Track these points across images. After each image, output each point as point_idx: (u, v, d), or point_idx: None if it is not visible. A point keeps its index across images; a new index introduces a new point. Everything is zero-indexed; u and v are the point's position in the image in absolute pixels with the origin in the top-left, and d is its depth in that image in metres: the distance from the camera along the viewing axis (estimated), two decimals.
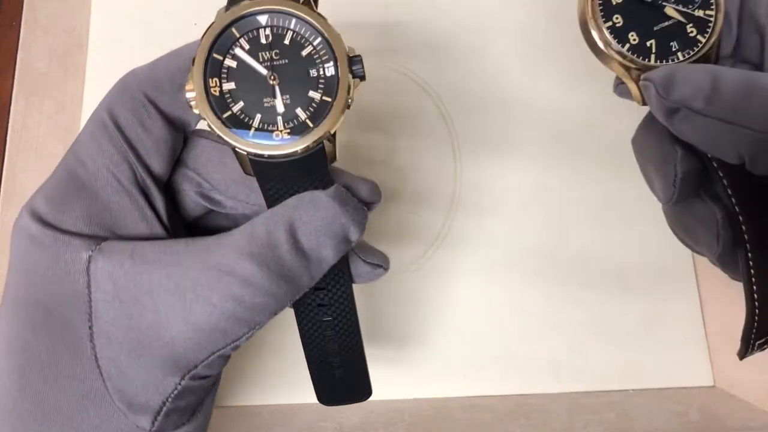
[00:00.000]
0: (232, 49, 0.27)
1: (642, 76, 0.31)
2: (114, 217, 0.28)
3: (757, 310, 0.30)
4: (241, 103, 0.27)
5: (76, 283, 0.26)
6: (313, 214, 0.26)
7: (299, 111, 0.27)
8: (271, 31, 0.27)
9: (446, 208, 0.47)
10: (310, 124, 0.27)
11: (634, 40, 0.31)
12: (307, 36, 0.27)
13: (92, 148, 0.28)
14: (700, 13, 0.31)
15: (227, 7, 0.29)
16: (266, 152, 0.27)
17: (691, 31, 0.31)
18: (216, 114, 0.27)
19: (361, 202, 0.29)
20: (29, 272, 0.27)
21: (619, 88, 0.34)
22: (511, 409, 0.44)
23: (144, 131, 0.28)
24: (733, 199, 0.30)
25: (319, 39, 0.27)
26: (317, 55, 0.27)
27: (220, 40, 0.27)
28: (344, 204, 0.27)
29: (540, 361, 0.46)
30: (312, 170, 0.28)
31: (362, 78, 0.28)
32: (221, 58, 0.27)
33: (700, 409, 0.43)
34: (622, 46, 0.31)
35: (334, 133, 0.27)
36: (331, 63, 0.27)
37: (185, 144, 0.31)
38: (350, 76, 0.27)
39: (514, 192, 0.48)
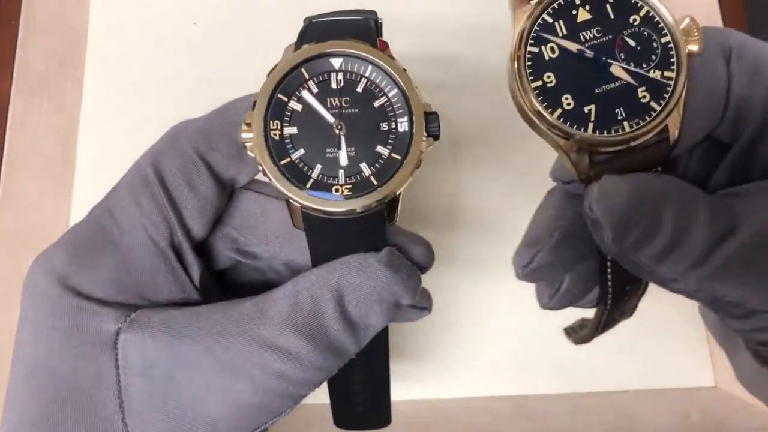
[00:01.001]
0: (299, 92, 0.25)
1: (586, 196, 0.24)
2: (146, 281, 0.25)
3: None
4: (302, 151, 0.25)
5: (103, 358, 0.24)
6: (363, 281, 0.24)
7: (364, 166, 0.24)
8: (344, 76, 0.25)
9: (447, 208, 0.46)
10: (374, 182, 0.24)
11: (569, 104, 0.24)
12: (382, 86, 0.25)
13: (129, 202, 0.25)
14: (656, 74, 0.24)
15: (297, 45, 0.25)
16: (323, 207, 0.24)
17: (643, 96, 0.24)
18: (273, 159, 0.24)
19: (415, 265, 0.26)
20: (49, 342, 0.24)
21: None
22: (511, 410, 0.44)
23: (191, 191, 0.25)
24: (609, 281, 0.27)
25: (395, 91, 0.25)
26: (390, 108, 0.25)
27: (287, 80, 0.25)
28: (397, 271, 0.24)
29: (541, 362, 0.44)
30: (367, 231, 0.25)
31: (436, 137, 0.25)
32: (286, 99, 0.25)
33: (702, 410, 0.42)
34: (551, 113, 0.24)
35: (399, 193, 0.25)
36: (406, 118, 0.25)
37: None
38: (425, 134, 0.25)
39: (515, 192, 0.48)
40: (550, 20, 0.25)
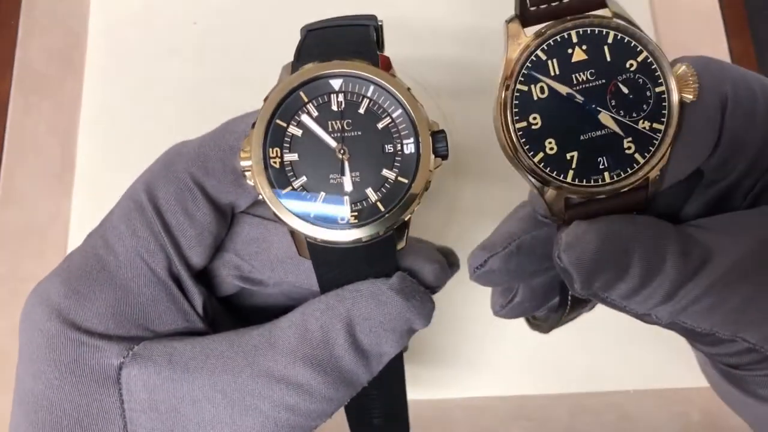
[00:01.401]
0: (298, 116, 0.23)
1: (555, 243, 0.24)
2: (147, 312, 0.24)
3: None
4: (304, 178, 0.23)
5: (106, 393, 0.23)
6: (375, 309, 0.23)
7: (370, 192, 0.23)
8: (345, 97, 0.24)
9: (447, 207, 0.45)
10: (382, 209, 0.23)
11: (551, 149, 0.23)
12: (385, 106, 0.24)
13: (125, 231, 0.24)
14: (644, 125, 0.23)
15: (294, 66, 0.24)
16: (328, 238, 0.23)
17: (628, 147, 0.23)
18: (274, 188, 0.23)
19: (428, 287, 0.25)
20: (49, 378, 0.23)
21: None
22: (512, 410, 0.43)
23: (187, 219, 0.24)
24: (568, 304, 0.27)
25: (399, 111, 0.23)
26: (395, 129, 0.23)
27: (285, 105, 0.23)
28: (409, 298, 0.23)
29: (541, 362, 0.44)
30: (377, 257, 0.24)
31: (445, 157, 0.24)
32: (285, 125, 0.23)
33: (702, 410, 0.41)
34: (533, 156, 0.23)
35: (408, 219, 0.24)
36: (412, 139, 0.23)
37: None
38: (432, 155, 0.23)
39: (516, 196, 0.48)
40: (544, 57, 0.24)
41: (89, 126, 0.46)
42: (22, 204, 0.43)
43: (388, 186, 0.23)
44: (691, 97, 0.23)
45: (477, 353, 0.43)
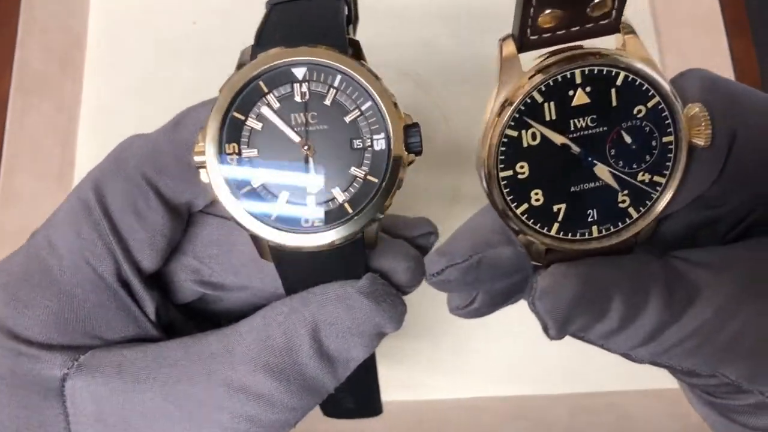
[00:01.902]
0: (258, 108, 0.21)
1: (529, 288, 0.22)
2: (95, 319, 0.22)
3: None
4: (265, 177, 0.21)
5: (49, 406, 0.21)
6: (342, 314, 0.21)
7: (337, 191, 0.21)
8: (309, 88, 0.21)
9: (448, 206, 0.44)
10: (350, 210, 0.21)
11: (537, 200, 0.21)
12: (353, 97, 0.21)
13: (69, 233, 0.22)
14: (644, 177, 0.21)
15: (254, 52, 0.21)
16: (291, 243, 0.21)
17: (623, 201, 0.21)
18: (231, 189, 0.21)
19: (402, 287, 0.23)
20: None
21: None
22: (512, 411, 0.43)
23: (138, 220, 0.22)
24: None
25: (369, 103, 0.21)
26: (365, 123, 0.21)
27: (244, 96, 0.21)
28: (379, 301, 0.22)
29: (541, 362, 0.43)
30: (345, 260, 0.22)
31: (418, 153, 0.21)
32: (243, 117, 0.21)
33: None
34: (516, 207, 0.21)
35: (380, 219, 0.22)
36: (382, 135, 0.21)
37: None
38: (405, 152, 0.21)
39: None
40: (540, 100, 0.20)
41: (89, 126, 0.46)
42: (22, 204, 0.43)
43: (357, 185, 0.21)
44: (702, 144, 0.20)
45: (477, 353, 0.43)
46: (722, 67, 0.46)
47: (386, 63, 0.45)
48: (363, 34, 0.50)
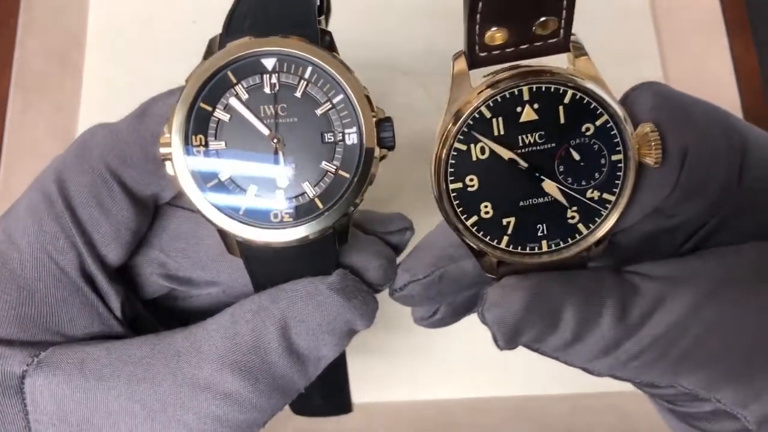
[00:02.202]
0: (226, 99, 0.20)
1: (480, 300, 0.22)
2: (57, 314, 0.21)
3: None
4: (232, 170, 0.21)
5: (7, 404, 0.20)
6: (312, 310, 0.21)
7: (307, 186, 0.21)
8: (279, 79, 0.20)
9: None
10: (320, 206, 0.21)
11: (487, 213, 0.21)
12: (325, 90, 0.20)
13: (30, 225, 0.21)
14: (593, 194, 0.21)
15: (222, 41, 0.21)
16: (259, 239, 0.20)
17: (572, 217, 0.21)
18: (197, 182, 0.20)
19: (372, 286, 0.23)
20: None
21: None
22: (512, 411, 0.43)
23: (102, 213, 0.22)
24: None
25: (341, 96, 0.20)
26: (336, 116, 0.21)
27: (211, 86, 0.20)
28: (350, 297, 0.21)
29: (541, 363, 0.45)
30: (315, 255, 0.21)
31: (391, 148, 0.21)
32: (210, 108, 0.20)
33: None
34: (466, 219, 0.21)
35: (351, 214, 0.21)
36: (354, 129, 0.20)
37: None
38: (377, 147, 0.20)
39: None
40: (488, 115, 0.21)
41: (88, 125, 0.46)
42: None
43: (327, 180, 0.21)
44: (652, 163, 0.20)
45: (477, 353, 0.43)
46: (722, 67, 0.46)
47: (383, 60, 0.45)
48: (363, 32, 0.50)
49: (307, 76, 0.20)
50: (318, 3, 0.21)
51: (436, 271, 0.23)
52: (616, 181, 0.21)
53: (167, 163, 0.20)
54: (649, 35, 0.46)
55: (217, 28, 0.53)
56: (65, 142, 0.45)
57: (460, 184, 0.21)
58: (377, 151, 0.21)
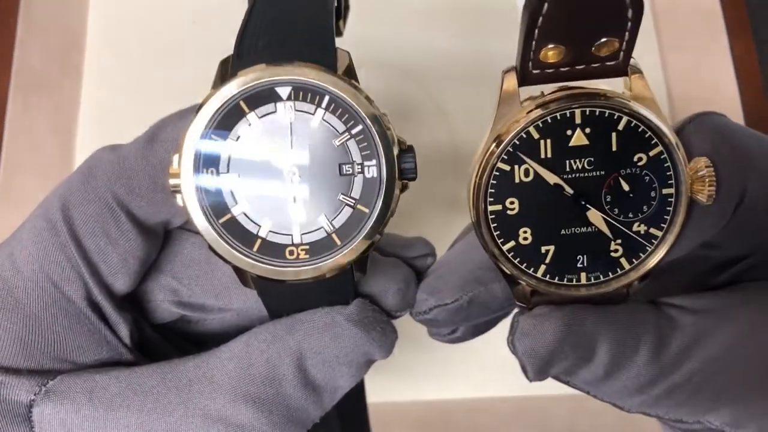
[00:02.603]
0: (238, 129, 0.19)
1: (511, 328, 0.21)
2: (64, 342, 0.21)
3: None
4: (245, 204, 0.19)
5: None
6: (329, 342, 0.20)
7: (324, 220, 0.19)
8: (294, 108, 0.19)
9: (447, 205, 0.43)
10: (337, 242, 0.19)
11: (525, 239, 0.20)
12: (343, 120, 0.19)
13: (35, 252, 0.21)
14: (640, 228, 0.20)
15: (234, 69, 0.19)
16: (274, 277, 0.19)
17: (615, 250, 0.20)
18: (209, 217, 0.19)
19: (390, 313, 0.22)
20: None
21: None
22: (512, 411, 0.43)
23: (109, 243, 0.21)
24: None
25: (360, 127, 0.19)
26: (355, 148, 0.19)
27: (223, 115, 0.19)
28: (369, 329, 0.20)
29: None
30: (332, 287, 0.20)
31: (412, 179, 0.20)
32: (221, 139, 0.19)
33: None
34: (503, 243, 0.20)
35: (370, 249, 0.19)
36: (374, 161, 0.19)
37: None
38: (398, 179, 0.19)
39: None
40: (536, 137, 0.19)
41: (89, 126, 0.46)
42: (22, 204, 0.43)
43: (345, 214, 0.19)
44: (704, 200, 0.19)
45: (477, 353, 0.43)
46: (722, 66, 0.46)
47: (387, 62, 0.45)
48: (363, 32, 0.50)
49: (324, 105, 0.19)
50: (336, 4, 0.20)
51: (464, 296, 0.22)
52: (665, 216, 0.20)
53: (177, 195, 0.19)
54: (650, 35, 0.46)
55: (217, 29, 0.53)
56: (65, 142, 0.45)
57: (500, 206, 0.20)
58: (397, 184, 0.19)
